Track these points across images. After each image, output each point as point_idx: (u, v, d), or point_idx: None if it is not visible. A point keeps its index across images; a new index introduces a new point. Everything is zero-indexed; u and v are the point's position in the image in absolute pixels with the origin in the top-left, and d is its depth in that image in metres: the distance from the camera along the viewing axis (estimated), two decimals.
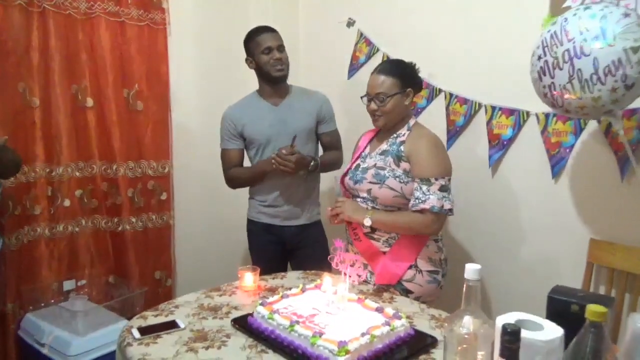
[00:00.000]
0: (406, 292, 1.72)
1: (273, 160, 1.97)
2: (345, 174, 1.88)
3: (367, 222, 1.69)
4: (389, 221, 1.71)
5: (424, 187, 1.65)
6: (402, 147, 1.72)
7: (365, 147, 1.88)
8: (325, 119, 2.17)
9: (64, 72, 2.21)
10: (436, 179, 1.65)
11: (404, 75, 1.75)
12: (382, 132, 1.85)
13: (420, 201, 1.64)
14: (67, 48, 2.21)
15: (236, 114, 2.12)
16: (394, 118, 1.76)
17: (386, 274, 1.72)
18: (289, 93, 2.15)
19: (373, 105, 1.74)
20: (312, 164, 2.06)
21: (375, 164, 1.75)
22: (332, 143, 2.21)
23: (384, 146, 1.78)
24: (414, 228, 1.69)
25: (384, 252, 1.74)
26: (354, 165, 1.86)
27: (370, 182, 1.73)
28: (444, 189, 1.65)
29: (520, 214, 2.08)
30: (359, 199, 1.80)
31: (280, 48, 2.05)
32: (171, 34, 2.50)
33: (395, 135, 1.77)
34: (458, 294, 1.02)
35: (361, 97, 1.79)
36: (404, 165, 1.70)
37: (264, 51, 2.03)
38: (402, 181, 1.69)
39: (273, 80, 2.07)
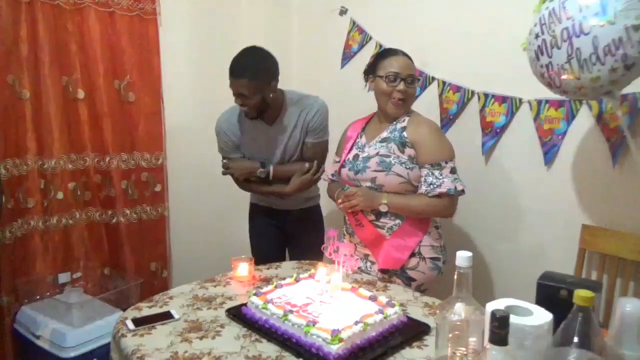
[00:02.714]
0: (409, 280, 1.72)
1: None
2: (341, 165, 1.86)
3: (384, 208, 1.70)
4: (405, 205, 1.70)
5: (436, 172, 1.67)
6: (404, 134, 1.72)
7: (358, 137, 1.86)
8: (313, 129, 1.99)
9: (54, 63, 2.19)
10: (446, 162, 1.68)
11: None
12: (377, 121, 1.84)
13: (435, 186, 1.65)
14: (57, 39, 2.19)
15: (230, 129, 2.04)
16: (410, 103, 1.79)
17: (390, 259, 1.72)
18: (283, 107, 2.00)
19: (402, 87, 1.73)
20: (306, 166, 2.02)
21: (378, 152, 1.73)
22: (310, 155, 2.03)
23: (385, 134, 1.76)
24: (430, 212, 1.71)
25: (387, 238, 1.74)
26: (351, 155, 1.83)
27: (375, 171, 1.72)
28: (454, 171, 1.69)
29: (514, 201, 2.09)
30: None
31: (241, 97, 1.86)
32: (162, 23, 2.47)
33: (395, 122, 1.77)
34: (452, 281, 1.03)
35: (386, 76, 1.72)
36: (409, 151, 1.70)
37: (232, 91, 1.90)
38: (407, 167, 1.69)
39: None
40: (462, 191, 1.69)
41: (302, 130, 2.01)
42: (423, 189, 1.67)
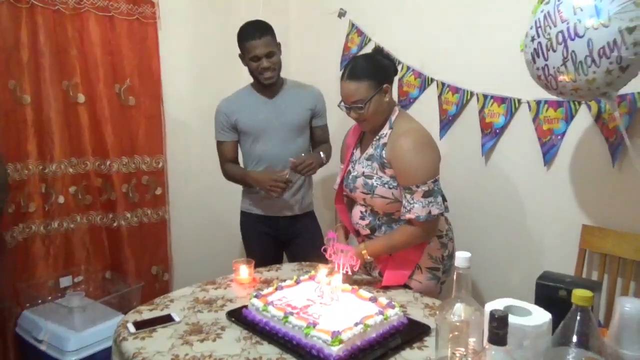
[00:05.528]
0: (406, 289, 1.69)
1: (270, 186, 1.98)
2: (342, 180, 1.82)
3: (368, 258, 1.66)
4: (384, 247, 1.66)
5: (408, 196, 1.57)
6: (383, 152, 1.63)
7: (355, 146, 1.80)
8: (319, 113, 2.19)
9: (55, 68, 2.20)
10: (417, 186, 1.55)
11: (376, 72, 1.61)
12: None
13: (406, 210, 1.58)
14: (57, 44, 2.20)
15: (229, 107, 2.12)
16: (379, 119, 1.65)
17: (393, 276, 1.67)
18: (283, 86, 2.14)
19: (353, 114, 1.64)
20: (322, 156, 2.10)
21: (364, 172, 1.67)
22: (324, 137, 2.24)
23: (370, 150, 1.68)
24: (411, 241, 1.63)
25: (390, 254, 1.69)
26: (347, 171, 1.78)
27: (362, 192, 1.68)
28: (428, 194, 1.56)
29: (513, 202, 2.10)
30: (359, 205, 1.75)
31: (270, 54, 1.99)
32: (161, 27, 2.49)
33: (378, 136, 1.67)
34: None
35: (338, 105, 1.68)
36: (389, 171, 1.62)
37: (252, 58, 1.99)
38: (391, 187, 1.62)
39: (262, 85, 2.06)
40: (440, 214, 1.60)
41: (306, 111, 2.14)
42: (401, 209, 1.61)
